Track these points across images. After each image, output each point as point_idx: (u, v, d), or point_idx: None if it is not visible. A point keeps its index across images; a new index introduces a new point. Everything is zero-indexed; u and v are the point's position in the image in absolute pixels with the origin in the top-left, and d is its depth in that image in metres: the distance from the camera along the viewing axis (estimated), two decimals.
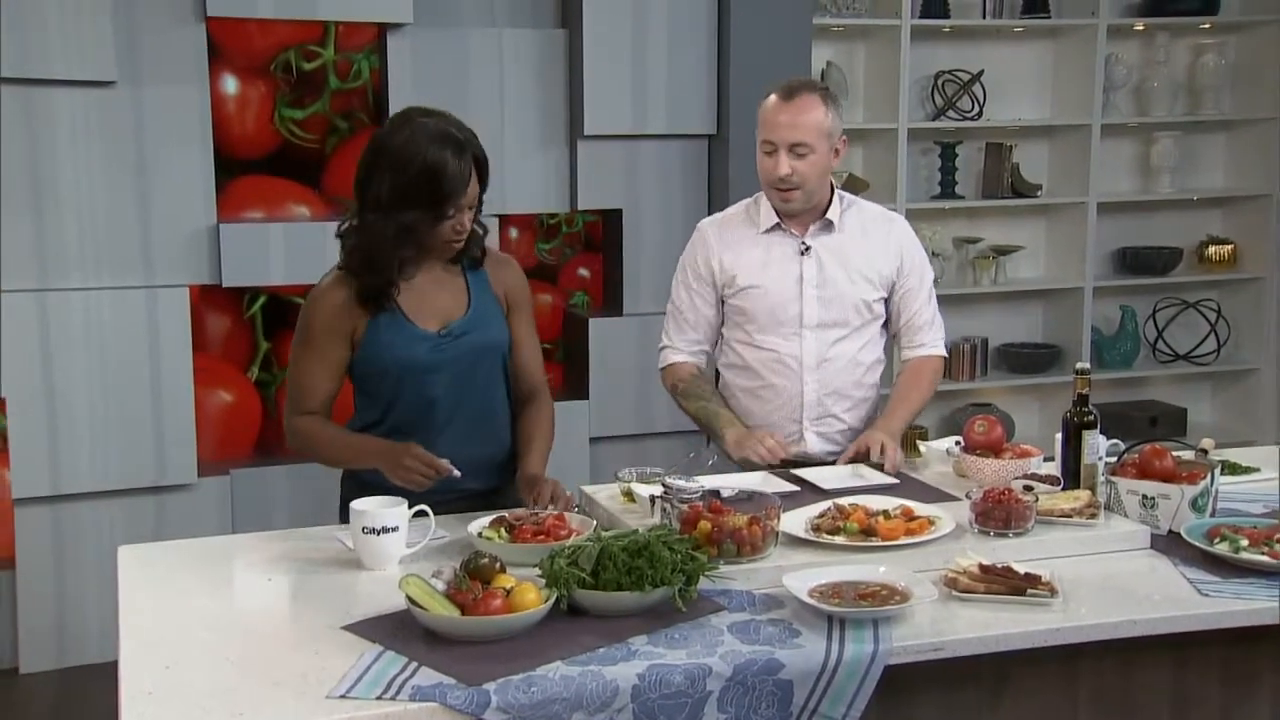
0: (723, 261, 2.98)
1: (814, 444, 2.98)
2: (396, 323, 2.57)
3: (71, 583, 4.10)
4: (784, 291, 2.94)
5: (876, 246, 2.99)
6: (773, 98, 2.89)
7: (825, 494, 2.57)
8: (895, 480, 2.72)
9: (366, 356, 2.59)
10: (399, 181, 2.47)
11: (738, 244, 2.99)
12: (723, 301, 3.02)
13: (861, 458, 2.84)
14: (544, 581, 2.03)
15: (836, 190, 3.01)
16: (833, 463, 2.91)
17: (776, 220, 2.96)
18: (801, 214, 2.95)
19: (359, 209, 2.56)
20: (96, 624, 4.05)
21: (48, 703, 3.96)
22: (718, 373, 3.10)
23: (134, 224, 4.07)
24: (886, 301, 3.02)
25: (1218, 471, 2.52)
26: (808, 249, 2.95)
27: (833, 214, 2.96)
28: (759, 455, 2.82)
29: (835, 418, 2.99)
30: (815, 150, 2.85)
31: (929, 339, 3.06)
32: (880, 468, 2.78)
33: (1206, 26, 5.52)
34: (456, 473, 2.49)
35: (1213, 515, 2.47)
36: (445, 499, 2.51)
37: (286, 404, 2.66)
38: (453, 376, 2.61)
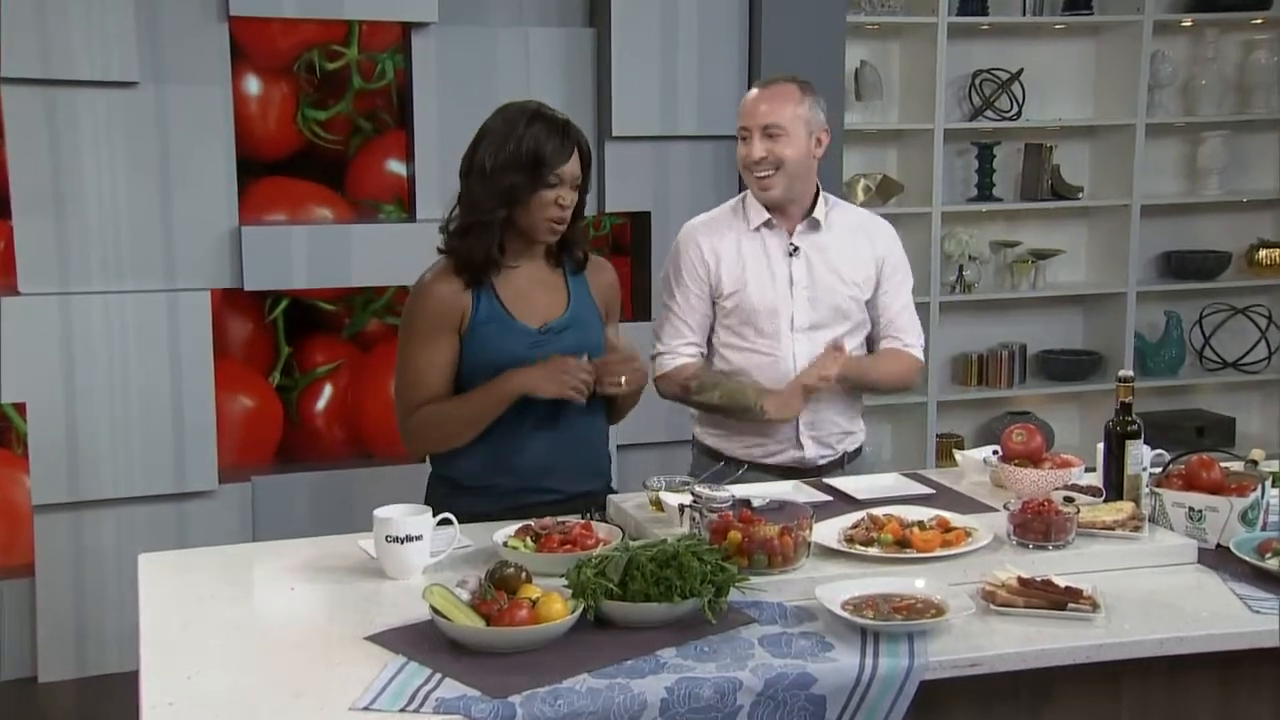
0: (716, 258, 2.97)
1: (810, 449, 2.97)
2: (498, 317, 2.62)
3: (91, 591, 4.08)
4: (773, 293, 2.93)
5: (862, 247, 3.00)
6: (752, 89, 2.98)
7: (858, 504, 2.56)
8: (931, 491, 2.70)
9: (467, 350, 2.63)
10: (500, 149, 2.57)
11: (725, 245, 2.97)
12: (713, 303, 3.00)
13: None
14: (570, 592, 2.02)
15: (821, 190, 3.01)
16: (825, 467, 2.95)
17: (766, 217, 2.96)
18: (786, 207, 2.95)
19: (462, 192, 2.64)
20: (116, 633, 4.04)
21: (67, 713, 3.94)
22: None
23: (155, 226, 4.05)
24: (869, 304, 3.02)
25: (1269, 483, 2.47)
26: (796, 249, 2.95)
27: (819, 213, 2.97)
28: (816, 380, 2.82)
29: (830, 420, 2.97)
30: (789, 134, 2.87)
31: (908, 340, 3.04)
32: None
33: (1258, 22, 5.40)
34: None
35: (1264, 529, 2.42)
36: (539, 502, 2.59)
37: (398, 407, 2.68)
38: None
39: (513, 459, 2.65)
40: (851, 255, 2.97)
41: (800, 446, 2.95)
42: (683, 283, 2.99)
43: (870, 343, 3.07)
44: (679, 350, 2.99)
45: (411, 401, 2.64)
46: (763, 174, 2.89)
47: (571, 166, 2.60)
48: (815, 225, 2.96)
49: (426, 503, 2.54)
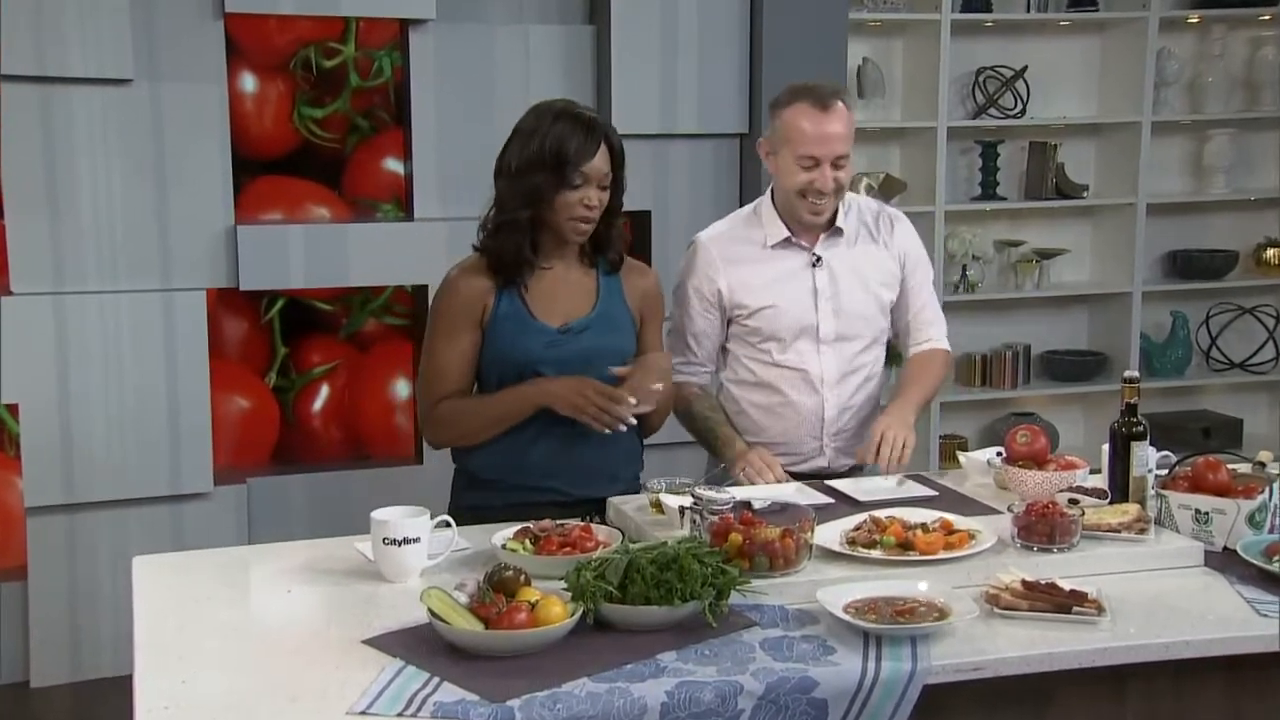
0: (730, 284, 2.89)
1: (832, 459, 2.94)
2: (517, 314, 2.62)
3: (85, 594, 4.05)
4: (798, 307, 2.88)
5: (880, 248, 2.95)
6: (805, 108, 2.77)
7: (861, 506, 2.54)
8: (934, 493, 2.67)
9: (486, 345, 2.65)
10: (526, 148, 2.58)
11: (744, 263, 2.89)
12: (729, 322, 2.94)
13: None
14: (570, 595, 2.01)
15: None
16: (848, 473, 2.89)
17: (785, 235, 2.88)
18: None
19: (495, 191, 2.65)
20: (110, 636, 4.01)
21: (60, 718, 3.91)
22: (723, 388, 3.02)
23: (150, 225, 4.03)
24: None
25: (1276, 485, 2.45)
26: (819, 260, 2.89)
27: (841, 221, 2.91)
28: (749, 477, 2.76)
29: (851, 430, 2.95)
30: (850, 159, 2.82)
31: (934, 334, 3.03)
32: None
33: (1266, 18, 5.36)
34: (632, 401, 2.55)
35: (1271, 531, 2.39)
36: (545, 501, 2.57)
37: (420, 399, 2.71)
38: (565, 375, 2.62)
39: (519, 457, 2.64)
40: (871, 257, 2.92)
41: (822, 454, 2.92)
42: (691, 301, 2.93)
43: (896, 341, 3.05)
44: (679, 369, 2.92)
45: (433, 394, 2.66)
46: (822, 202, 2.80)
47: (597, 165, 2.57)
48: (838, 233, 2.90)
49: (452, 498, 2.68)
